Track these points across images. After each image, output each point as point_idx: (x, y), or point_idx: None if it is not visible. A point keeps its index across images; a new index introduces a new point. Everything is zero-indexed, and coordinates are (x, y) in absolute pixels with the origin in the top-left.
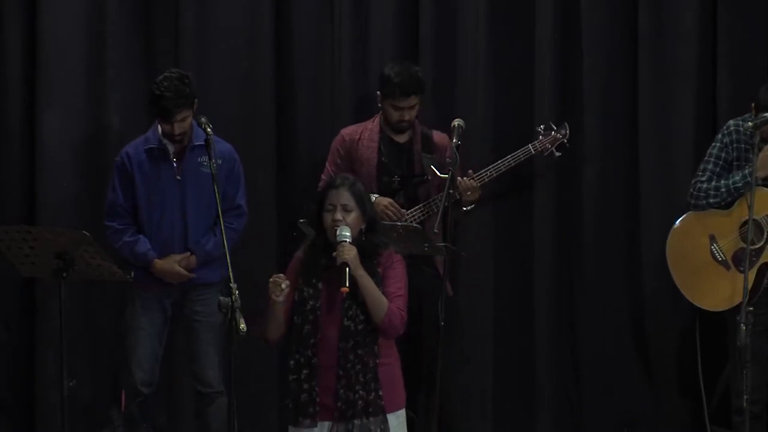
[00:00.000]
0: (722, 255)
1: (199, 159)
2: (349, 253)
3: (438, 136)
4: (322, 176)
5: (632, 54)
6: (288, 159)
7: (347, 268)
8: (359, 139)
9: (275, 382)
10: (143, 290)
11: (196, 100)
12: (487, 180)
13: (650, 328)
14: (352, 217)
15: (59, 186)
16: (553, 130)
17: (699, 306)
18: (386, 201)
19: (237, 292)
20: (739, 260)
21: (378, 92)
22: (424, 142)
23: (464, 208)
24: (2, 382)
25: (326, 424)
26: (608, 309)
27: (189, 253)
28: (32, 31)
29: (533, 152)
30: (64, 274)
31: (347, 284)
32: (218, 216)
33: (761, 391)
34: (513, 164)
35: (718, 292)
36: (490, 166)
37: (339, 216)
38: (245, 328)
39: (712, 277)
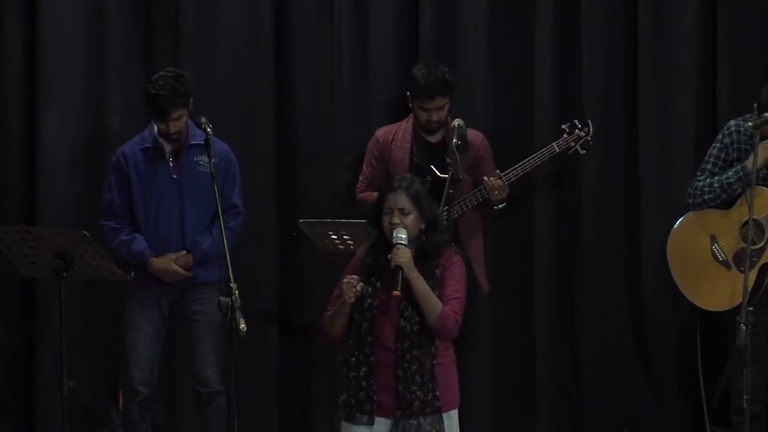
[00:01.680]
0: (723, 255)
1: (195, 158)
2: (403, 257)
3: (472, 134)
4: (360, 177)
5: (632, 54)
6: (288, 159)
7: (401, 272)
8: (392, 139)
9: (275, 382)
10: (142, 290)
11: (191, 99)
12: (514, 179)
13: (650, 328)
14: (410, 219)
15: (59, 186)
16: (576, 128)
17: (699, 306)
18: None
19: (237, 292)
20: (739, 260)
21: (408, 93)
22: (459, 141)
23: (495, 207)
24: (2, 382)
25: (381, 421)
26: (608, 309)
27: (185, 252)
28: (32, 31)
29: (557, 151)
30: (64, 274)
31: (399, 288)
32: (216, 215)
33: (761, 391)
34: (538, 163)
35: (718, 292)
36: (517, 165)
37: (396, 220)
38: (245, 328)
39: (713, 277)
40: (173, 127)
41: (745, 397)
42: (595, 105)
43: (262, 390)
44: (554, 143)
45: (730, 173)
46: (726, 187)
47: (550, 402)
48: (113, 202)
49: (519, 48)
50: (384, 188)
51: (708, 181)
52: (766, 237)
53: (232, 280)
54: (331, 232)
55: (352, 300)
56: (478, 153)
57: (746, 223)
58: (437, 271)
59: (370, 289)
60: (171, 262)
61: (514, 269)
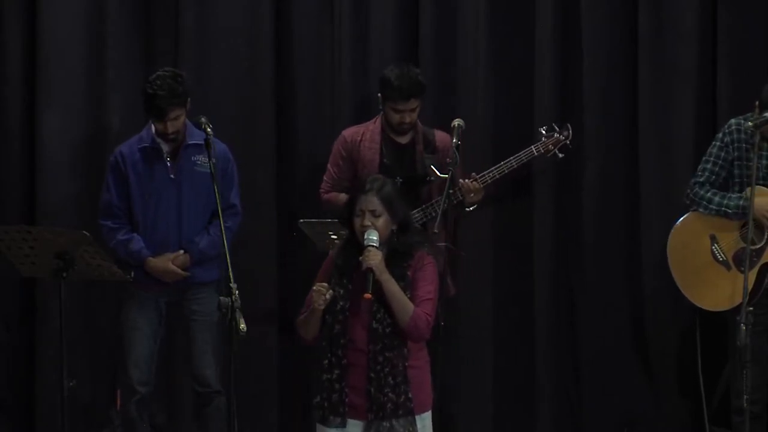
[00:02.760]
0: (723, 255)
1: (193, 158)
2: (374, 259)
3: (440, 136)
4: (324, 177)
5: (632, 54)
6: (288, 159)
7: (372, 274)
8: (361, 140)
9: (275, 382)
10: (140, 290)
11: (189, 99)
12: (489, 181)
13: (650, 328)
14: (381, 221)
15: (59, 186)
16: (555, 131)
17: (699, 306)
18: None
19: (237, 292)
20: (739, 260)
21: (379, 94)
22: (425, 142)
23: (466, 209)
24: (2, 382)
25: (355, 423)
26: (608, 309)
27: (182, 251)
28: (32, 31)
29: (536, 154)
30: (64, 274)
31: (370, 290)
32: (214, 215)
33: (761, 391)
34: (515, 166)
35: (718, 292)
36: (493, 168)
37: (367, 222)
38: (245, 328)
39: (713, 277)
40: (171, 127)
41: (745, 397)
42: (595, 105)
43: (262, 390)
44: (532, 146)
45: (731, 204)
46: (723, 213)
47: (550, 402)
48: (111, 201)
49: (519, 48)
50: (355, 190)
51: (709, 195)
52: (766, 237)
53: (232, 280)
54: (331, 232)
55: (322, 307)
56: (446, 154)
57: (746, 223)
58: (409, 273)
59: (342, 291)
60: (168, 262)
61: (514, 269)
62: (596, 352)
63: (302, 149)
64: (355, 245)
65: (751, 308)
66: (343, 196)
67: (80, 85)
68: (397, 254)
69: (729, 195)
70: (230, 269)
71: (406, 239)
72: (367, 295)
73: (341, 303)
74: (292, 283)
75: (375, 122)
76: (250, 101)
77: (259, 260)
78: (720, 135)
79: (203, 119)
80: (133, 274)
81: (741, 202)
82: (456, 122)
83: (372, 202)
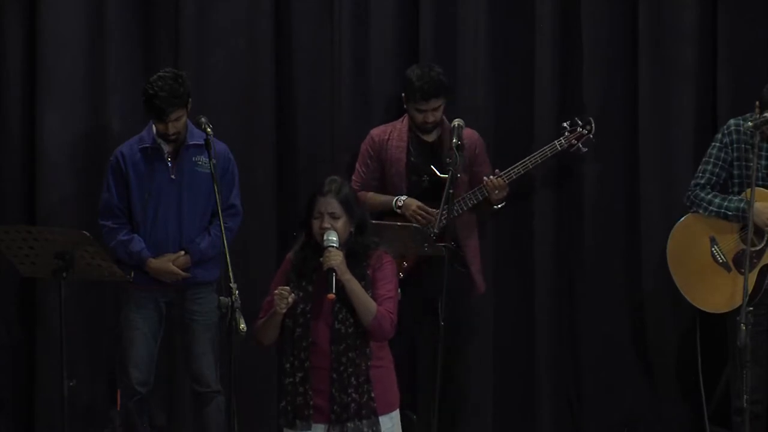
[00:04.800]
0: (723, 257)
1: (194, 158)
2: (336, 259)
3: (466, 133)
4: (353, 177)
5: (632, 54)
6: (288, 159)
7: (333, 274)
8: (388, 139)
9: (275, 382)
10: (140, 290)
11: (190, 99)
12: (514, 177)
13: (650, 328)
14: (340, 223)
15: (59, 186)
16: (578, 125)
17: (699, 308)
18: (414, 205)
19: (237, 292)
20: (740, 262)
21: (402, 94)
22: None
23: (494, 207)
24: (2, 382)
25: (320, 426)
26: (608, 309)
27: (183, 252)
28: (32, 31)
29: (559, 149)
30: (64, 274)
31: (333, 290)
32: (214, 216)
33: (761, 391)
34: (539, 161)
35: (718, 293)
36: (517, 164)
37: (326, 224)
38: (245, 328)
39: (713, 279)
40: (172, 128)
41: (745, 397)
42: (595, 105)
43: (262, 390)
44: (556, 141)
45: (732, 206)
46: (722, 216)
47: (550, 402)
48: (111, 202)
49: (519, 48)
50: (313, 192)
51: (709, 197)
52: (765, 238)
53: (232, 280)
54: None
55: (284, 311)
56: (474, 152)
57: (746, 225)
58: (369, 272)
59: (301, 293)
60: (169, 263)
61: (514, 269)
62: (596, 352)
63: (302, 149)
64: (312, 247)
65: (751, 308)
66: (371, 195)
67: (80, 85)
68: (355, 255)
69: (729, 197)
70: (230, 269)
71: (363, 240)
72: (331, 296)
73: (302, 306)
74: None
75: (402, 121)
76: (250, 101)
77: (258, 260)
78: (719, 136)
79: (203, 119)
80: (133, 274)
81: (741, 205)
82: (456, 122)
83: (331, 204)
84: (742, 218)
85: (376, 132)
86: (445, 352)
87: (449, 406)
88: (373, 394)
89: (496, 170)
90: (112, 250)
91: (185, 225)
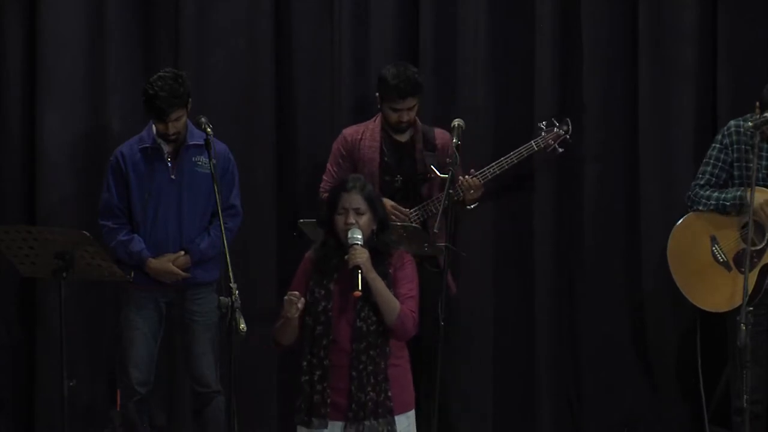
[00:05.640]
0: (723, 256)
1: (194, 158)
2: (361, 257)
3: (440, 134)
4: (324, 177)
5: (632, 54)
6: (288, 159)
7: (359, 272)
8: (361, 139)
9: (275, 382)
10: (140, 290)
11: (190, 99)
12: (490, 177)
13: (650, 328)
14: (364, 219)
15: (59, 186)
16: (555, 126)
17: (700, 307)
18: (388, 205)
19: (237, 292)
20: (740, 261)
21: (377, 94)
22: (425, 140)
23: (467, 207)
24: (2, 382)
25: (335, 424)
26: (608, 309)
27: (183, 252)
28: (32, 31)
29: (536, 149)
30: (64, 274)
31: (360, 288)
32: (214, 216)
33: (761, 392)
34: (515, 161)
35: (719, 293)
36: (493, 164)
37: (351, 219)
38: (245, 328)
39: (713, 278)
40: (172, 128)
41: (745, 397)
42: (595, 105)
43: (262, 390)
44: (532, 141)
45: (729, 196)
46: (722, 208)
47: (550, 402)
48: (111, 202)
49: (519, 48)
50: (336, 189)
51: (707, 192)
52: (766, 238)
53: (232, 280)
54: None
55: (295, 316)
56: (447, 152)
57: (746, 224)
58: (390, 271)
59: (323, 291)
60: (169, 263)
61: (514, 269)
62: (596, 352)
63: (302, 149)
64: (334, 245)
65: (751, 308)
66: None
67: (80, 85)
68: (377, 253)
69: (726, 189)
70: (230, 269)
71: (384, 238)
72: (357, 293)
73: (323, 304)
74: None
75: (375, 121)
76: (250, 101)
77: (258, 260)
78: (719, 137)
79: (203, 119)
80: (133, 274)
81: (738, 193)
82: (456, 122)
83: (356, 199)
84: (740, 206)
85: (348, 131)
86: (445, 353)
87: (449, 406)
88: (390, 393)
89: (471, 170)
90: (112, 250)
91: (185, 225)
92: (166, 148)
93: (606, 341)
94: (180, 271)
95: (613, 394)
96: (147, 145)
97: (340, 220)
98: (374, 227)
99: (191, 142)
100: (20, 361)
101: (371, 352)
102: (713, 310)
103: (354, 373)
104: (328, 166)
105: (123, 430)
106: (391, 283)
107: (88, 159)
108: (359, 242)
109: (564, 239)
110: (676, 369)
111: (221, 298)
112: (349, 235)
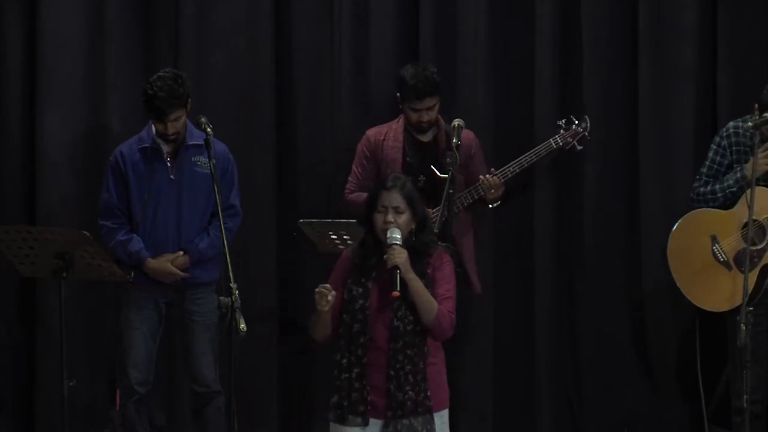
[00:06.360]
0: (724, 255)
1: (193, 158)
2: (400, 257)
3: (463, 133)
4: (349, 178)
5: (632, 54)
6: (288, 159)
7: (398, 272)
8: (384, 139)
9: (275, 382)
10: (141, 290)
11: (189, 99)
12: (510, 176)
13: (650, 328)
14: (404, 218)
15: (59, 186)
16: (574, 123)
17: (700, 306)
18: None
19: (237, 292)
20: (740, 261)
21: (397, 94)
22: (448, 140)
23: (489, 206)
24: (2, 382)
25: (373, 422)
26: (608, 309)
27: (182, 252)
28: (32, 31)
29: (555, 147)
30: (64, 274)
31: (398, 288)
32: (214, 216)
33: (761, 392)
34: (535, 159)
35: (719, 292)
36: (513, 162)
37: (390, 218)
38: (245, 328)
39: (714, 278)
40: (171, 128)
41: (745, 397)
42: (595, 105)
43: (262, 390)
44: (551, 139)
45: (731, 182)
46: (729, 195)
47: (550, 402)
48: (111, 202)
49: (519, 48)
50: (376, 187)
51: (710, 188)
52: (767, 238)
53: (232, 280)
54: (331, 232)
55: (326, 309)
56: (469, 152)
57: (747, 223)
58: (428, 271)
59: (361, 290)
60: (168, 263)
61: (514, 269)
62: (596, 352)
63: (302, 149)
64: (373, 243)
65: (751, 308)
66: (367, 196)
67: (80, 85)
68: (416, 253)
69: (725, 178)
70: (230, 269)
71: (423, 238)
72: (396, 293)
73: (361, 302)
74: (292, 283)
75: (398, 121)
76: (249, 101)
77: (258, 260)
78: (717, 139)
79: (203, 119)
80: (132, 274)
81: (737, 175)
82: (456, 122)
83: (396, 198)
84: (746, 186)
85: (371, 132)
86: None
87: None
88: (429, 393)
89: (492, 169)
90: (112, 250)
91: (184, 225)
92: (166, 148)
93: (606, 341)
94: (178, 272)
95: (613, 394)
96: (146, 145)
97: (379, 218)
98: (413, 227)
99: (191, 142)
100: (20, 361)
101: (408, 352)
102: (713, 310)
103: (392, 372)
104: (353, 167)
105: (123, 430)
106: (429, 283)
107: (88, 159)
108: (398, 242)
109: (564, 239)
110: (676, 369)
111: (221, 298)
112: (388, 235)
